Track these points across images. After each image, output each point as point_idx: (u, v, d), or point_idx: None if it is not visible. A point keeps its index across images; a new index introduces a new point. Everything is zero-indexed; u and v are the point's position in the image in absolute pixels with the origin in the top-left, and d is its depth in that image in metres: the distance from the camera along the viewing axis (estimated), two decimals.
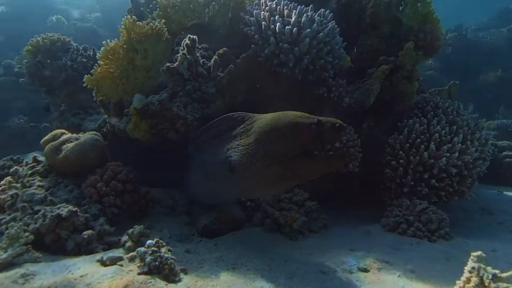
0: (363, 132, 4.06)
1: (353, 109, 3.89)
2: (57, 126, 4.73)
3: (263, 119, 2.48)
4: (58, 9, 11.98)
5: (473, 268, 1.51)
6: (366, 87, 3.88)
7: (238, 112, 2.76)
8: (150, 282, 1.84)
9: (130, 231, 2.43)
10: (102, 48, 3.26)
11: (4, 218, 2.51)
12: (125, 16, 3.30)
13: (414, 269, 2.30)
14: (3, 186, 2.85)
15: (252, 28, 3.60)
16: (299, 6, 3.65)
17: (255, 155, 2.28)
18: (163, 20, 3.59)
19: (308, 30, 3.41)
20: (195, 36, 3.28)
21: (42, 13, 11.07)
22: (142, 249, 2.04)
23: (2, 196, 2.74)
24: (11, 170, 3.01)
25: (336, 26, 3.71)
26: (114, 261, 2.06)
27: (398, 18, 4.18)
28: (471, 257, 1.53)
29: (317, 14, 3.65)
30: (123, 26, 3.26)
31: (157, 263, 1.94)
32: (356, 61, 4.16)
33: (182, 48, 3.16)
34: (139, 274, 1.90)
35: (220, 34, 4.15)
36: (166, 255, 1.98)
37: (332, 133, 2.21)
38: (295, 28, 3.42)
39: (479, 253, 1.51)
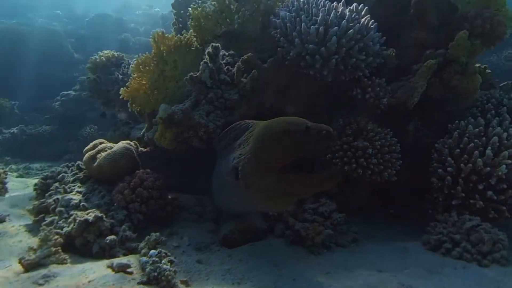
0: (409, 135, 3.65)
1: (396, 110, 3.52)
2: (111, 135, 5.21)
3: (258, 126, 2.37)
4: (128, 27, 13.26)
5: None
6: (410, 85, 3.48)
7: (245, 120, 2.68)
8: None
9: (147, 238, 2.51)
10: (134, 62, 3.47)
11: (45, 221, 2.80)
12: (156, 30, 3.46)
13: None
14: (51, 191, 3.21)
15: (278, 30, 3.48)
16: (329, 3, 3.43)
17: (250, 164, 2.17)
18: (192, 30, 3.70)
19: (336, 28, 3.17)
20: (218, 44, 3.29)
21: (115, 32, 12.35)
22: (145, 258, 2.09)
23: (49, 200, 3.09)
24: (59, 176, 3.36)
25: (371, 21, 3.40)
26: (121, 268, 2.14)
27: (451, 3, 3.67)
28: None
29: (348, 10, 3.38)
30: (153, 40, 3.43)
31: (155, 274, 1.96)
32: (400, 57, 3.74)
33: (205, 56, 3.20)
34: (138, 283, 1.95)
35: (253, 39, 4.10)
36: (165, 266, 1.99)
37: (319, 141, 2.00)
38: (321, 27, 3.21)
39: None
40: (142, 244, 2.51)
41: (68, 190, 3.11)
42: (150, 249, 2.46)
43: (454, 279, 2.23)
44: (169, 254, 2.19)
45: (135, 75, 3.47)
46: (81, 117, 8.49)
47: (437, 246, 2.67)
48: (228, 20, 4.18)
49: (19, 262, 2.19)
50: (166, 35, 3.48)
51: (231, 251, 2.67)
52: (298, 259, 2.56)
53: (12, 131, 7.70)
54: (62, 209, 2.84)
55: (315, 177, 2.00)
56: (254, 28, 4.07)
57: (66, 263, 2.38)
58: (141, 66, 3.46)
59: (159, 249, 2.16)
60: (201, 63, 3.21)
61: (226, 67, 3.39)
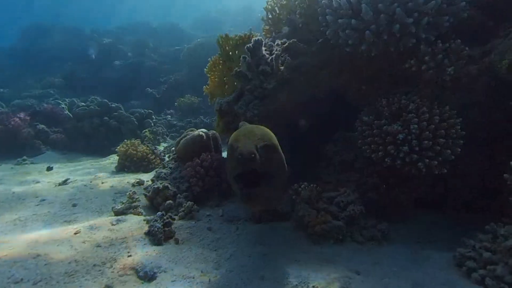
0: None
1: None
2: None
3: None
4: None
5: None
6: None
7: (243, 121, 2.86)
8: (141, 237, 2.60)
9: (184, 204, 3.26)
10: (208, 64, 4.22)
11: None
12: (221, 34, 4.06)
13: None
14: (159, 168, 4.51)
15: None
16: None
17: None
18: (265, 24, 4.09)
19: None
20: (259, 38, 3.53)
21: None
22: (153, 217, 2.81)
23: (158, 170, 4.37)
24: (166, 156, 4.63)
25: None
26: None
27: None
28: None
29: None
30: (218, 42, 4.06)
31: (154, 228, 2.65)
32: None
33: (246, 51, 3.53)
34: (144, 233, 2.70)
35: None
36: (157, 224, 2.66)
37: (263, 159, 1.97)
38: None
39: None
40: (182, 209, 3.28)
41: (166, 166, 4.29)
42: (186, 214, 3.21)
43: None
44: (173, 217, 2.84)
45: (209, 75, 4.22)
46: None
47: (461, 261, 2.02)
48: (298, 8, 4.27)
49: (112, 210, 3.43)
50: (229, 36, 4.02)
51: (245, 226, 3.00)
52: (289, 243, 2.61)
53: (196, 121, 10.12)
54: (154, 178, 4.00)
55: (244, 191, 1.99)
56: (314, 13, 3.97)
57: (141, 215, 3.45)
58: (212, 67, 4.17)
59: (164, 213, 2.83)
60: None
61: (270, 57, 3.58)
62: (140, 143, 6.17)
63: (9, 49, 16.88)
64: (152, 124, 8.88)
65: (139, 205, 3.53)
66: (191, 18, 20.47)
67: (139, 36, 16.92)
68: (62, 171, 5.82)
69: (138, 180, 4.69)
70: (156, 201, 3.61)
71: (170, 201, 3.49)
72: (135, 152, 5.80)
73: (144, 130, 8.38)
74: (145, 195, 3.68)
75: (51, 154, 7.58)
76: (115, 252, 2.34)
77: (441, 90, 2.80)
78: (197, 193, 3.68)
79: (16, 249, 2.45)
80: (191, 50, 13.36)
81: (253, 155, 1.86)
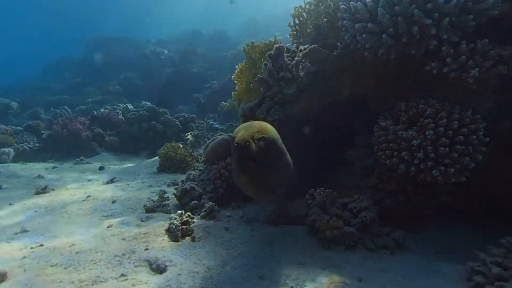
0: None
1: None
2: None
3: None
4: None
5: None
6: None
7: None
8: (161, 233, 2.83)
9: (206, 205, 3.46)
10: (236, 71, 4.40)
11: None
12: (247, 42, 4.22)
13: None
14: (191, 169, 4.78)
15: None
16: None
17: None
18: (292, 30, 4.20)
19: None
20: (281, 45, 3.62)
21: None
22: (174, 215, 3.03)
23: (188, 172, 4.65)
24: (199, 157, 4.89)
25: None
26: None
27: None
28: None
29: None
30: (244, 50, 4.22)
31: (173, 226, 2.87)
32: None
33: (267, 58, 3.64)
34: (165, 229, 2.93)
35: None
36: (175, 222, 2.86)
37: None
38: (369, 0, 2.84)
39: None
40: (203, 209, 3.48)
41: (196, 168, 4.55)
42: (207, 214, 3.40)
43: None
44: (192, 216, 3.04)
45: (236, 81, 4.40)
46: None
47: (470, 275, 1.90)
48: (324, 13, 4.29)
49: (144, 207, 3.74)
50: (254, 44, 4.17)
51: (261, 228, 3.10)
52: (299, 246, 2.64)
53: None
54: (185, 179, 4.27)
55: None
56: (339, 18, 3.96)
57: (170, 213, 3.72)
58: (239, 73, 4.35)
59: (183, 212, 3.04)
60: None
61: (292, 63, 3.64)
62: (179, 146, 6.57)
63: (77, 60, 18.89)
64: (195, 128, 9.35)
65: (168, 204, 3.82)
66: (239, 25, 21.04)
67: (188, 43, 17.85)
68: (111, 170, 6.42)
69: (173, 181, 5.04)
70: (183, 201, 3.86)
71: (196, 201, 3.71)
72: (174, 154, 6.20)
73: (187, 134, 8.86)
74: (175, 195, 3.95)
75: (105, 155, 8.36)
76: (135, 246, 2.59)
77: (465, 93, 2.63)
78: (221, 194, 3.86)
79: (58, 238, 2.83)
80: (234, 56, 13.79)
81: (247, 143, 2.04)
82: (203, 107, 12.59)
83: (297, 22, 4.44)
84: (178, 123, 9.14)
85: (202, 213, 3.44)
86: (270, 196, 2.64)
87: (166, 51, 16.93)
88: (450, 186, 2.65)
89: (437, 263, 2.27)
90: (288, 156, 2.57)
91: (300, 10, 4.44)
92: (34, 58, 22.99)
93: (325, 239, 2.66)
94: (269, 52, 3.62)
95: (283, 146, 2.53)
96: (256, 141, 2.16)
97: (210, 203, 3.48)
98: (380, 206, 2.90)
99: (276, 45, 3.63)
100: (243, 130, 2.28)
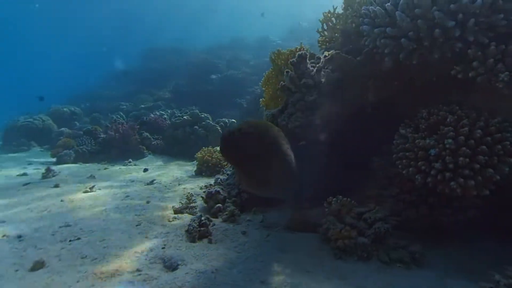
0: None
1: None
2: None
3: None
4: None
5: None
6: None
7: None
8: (181, 234, 3.00)
9: (228, 209, 3.58)
10: (263, 78, 4.49)
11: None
12: (273, 51, 4.30)
13: None
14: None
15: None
16: None
17: None
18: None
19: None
20: (303, 52, 3.63)
21: None
22: (194, 217, 3.18)
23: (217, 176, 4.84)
24: None
25: None
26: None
27: None
28: None
29: None
30: (270, 58, 4.29)
31: (191, 228, 3.02)
32: None
33: (290, 65, 3.67)
34: (185, 230, 3.09)
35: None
36: (194, 224, 3.01)
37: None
38: (388, 4, 2.76)
39: None
40: (225, 212, 3.61)
41: (225, 172, 4.71)
42: (229, 217, 3.53)
43: None
44: (210, 219, 3.18)
45: (264, 88, 4.48)
46: None
47: None
48: (350, 17, 4.22)
49: (172, 208, 3.98)
50: (281, 51, 4.23)
51: (277, 234, 3.14)
52: (310, 254, 2.63)
53: None
54: (212, 183, 4.45)
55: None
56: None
57: (196, 214, 3.91)
58: (267, 81, 4.43)
59: (202, 214, 3.18)
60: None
61: (314, 70, 3.63)
62: (216, 150, 6.82)
63: (134, 70, 20.49)
64: None
65: (195, 206, 4.02)
66: (283, 29, 21.13)
67: (233, 50, 18.40)
68: (154, 172, 6.88)
69: (206, 184, 5.26)
70: (209, 204, 4.03)
71: (219, 205, 3.86)
72: (210, 158, 6.47)
73: None
74: (202, 198, 4.14)
75: (151, 158, 8.97)
76: (153, 243, 2.80)
77: (496, 99, 2.42)
78: (245, 199, 3.96)
79: (93, 236, 3.15)
80: None
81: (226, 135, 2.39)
82: (246, 111, 12.87)
83: (325, 27, 4.40)
84: (219, 128, 9.48)
85: (224, 216, 3.57)
86: (262, 188, 2.72)
87: (213, 58, 17.60)
88: (478, 199, 2.45)
89: (452, 282, 2.11)
90: (288, 157, 2.61)
91: (329, 15, 4.40)
92: (100, 68, 25.51)
93: (337, 248, 2.61)
94: (291, 60, 3.65)
95: (280, 146, 2.58)
96: (236, 132, 2.37)
97: (231, 206, 3.60)
98: (401, 218, 2.78)
99: (298, 52, 3.65)
100: (238, 125, 2.53)
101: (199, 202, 4.14)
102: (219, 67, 16.75)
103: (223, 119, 10.09)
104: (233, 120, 10.05)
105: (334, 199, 2.95)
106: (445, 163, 2.27)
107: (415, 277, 2.26)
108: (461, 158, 2.22)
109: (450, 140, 2.28)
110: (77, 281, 2.25)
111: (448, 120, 2.39)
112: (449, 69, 2.64)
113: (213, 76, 15.95)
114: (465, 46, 2.51)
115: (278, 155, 2.52)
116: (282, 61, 4.22)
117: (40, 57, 45.64)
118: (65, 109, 13.70)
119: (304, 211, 3.28)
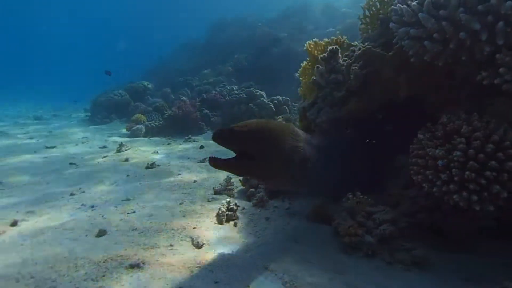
0: None
1: None
2: None
3: None
4: None
5: None
6: None
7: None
8: (213, 216, 3.48)
9: (257, 194, 3.96)
10: (300, 68, 4.57)
11: None
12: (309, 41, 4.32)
13: None
14: None
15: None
16: None
17: None
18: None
19: None
20: (334, 46, 3.64)
21: None
22: (224, 201, 3.62)
23: None
24: None
25: None
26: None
27: None
28: None
29: None
30: (307, 49, 4.33)
31: (220, 211, 3.47)
32: None
33: (320, 60, 3.72)
34: (216, 213, 3.55)
35: None
36: (222, 208, 3.45)
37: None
38: (414, 3, 2.65)
39: None
40: (255, 198, 3.99)
41: None
42: (258, 202, 3.91)
43: None
44: (238, 205, 3.59)
45: (301, 78, 4.58)
46: None
47: None
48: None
49: (213, 189, 4.49)
50: (317, 42, 4.24)
51: (300, 222, 3.42)
52: (319, 246, 2.89)
53: None
54: None
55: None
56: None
57: (233, 196, 4.37)
58: (304, 71, 4.51)
59: (230, 200, 3.60)
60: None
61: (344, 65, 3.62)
62: None
63: (199, 43, 21.41)
64: (288, 111, 9.77)
65: (233, 189, 4.47)
66: None
67: (297, 21, 17.91)
68: (209, 149, 7.55)
69: None
70: (246, 187, 4.45)
71: (253, 189, 4.25)
72: None
73: (278, 117, 9.38)
74: (240, 181, 4.58)
75: (209, 133, 9.72)
76: (187, 223, 3.33)
77: None
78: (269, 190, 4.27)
79: (147, 207, 3.82)
80: (340, 31, 13.27)
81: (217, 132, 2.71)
82: None
83: (367, 14, 4.24)
84: (272, 106, 9.73)
85: (253, 201, 3.96)
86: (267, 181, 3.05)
87: (274, 31, 17.42)
88: (492, 210, 2.39)
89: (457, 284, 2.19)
90: (287, 157, 2.84)
91: (373, 0, 4.21)
92: (168, 41, 27.35)
93: (344, 243, 2.82)
94: (322, 55, 3.69)
95: (279, 142, 2.83)
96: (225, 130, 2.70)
97: (261, 193, 3.96)
98: (414, 220, 2.83)
99: (329, 47, 3.67)
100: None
101: (237, 184, 4.58)
102: (281, 39, 16.56)
103: (278, 96, 10.25)
104: (287, 98, 10.15)
105: (351, 195, 3.10)
106: (451, 175, 2.26)
107: (413, 280, 2.37)
108: (467, 172, 2.18)
109: (458, 153, 2.24)
110: (125, 249, 2.88)
111: (462, 130, 2.32)
112: (476, 74, 2.49)
113: (275, 49, 15.89)
114: (495, 49, 2.34)
115: (277, 155, 2.75)
116: (319, 52, 4.24)
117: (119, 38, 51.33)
118: (139, 84, 15.22)
119: (325, 203, 3.48)
